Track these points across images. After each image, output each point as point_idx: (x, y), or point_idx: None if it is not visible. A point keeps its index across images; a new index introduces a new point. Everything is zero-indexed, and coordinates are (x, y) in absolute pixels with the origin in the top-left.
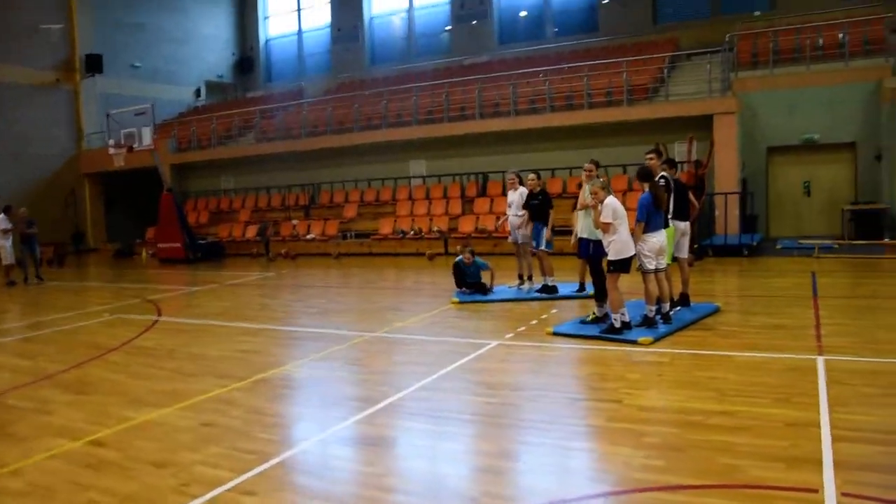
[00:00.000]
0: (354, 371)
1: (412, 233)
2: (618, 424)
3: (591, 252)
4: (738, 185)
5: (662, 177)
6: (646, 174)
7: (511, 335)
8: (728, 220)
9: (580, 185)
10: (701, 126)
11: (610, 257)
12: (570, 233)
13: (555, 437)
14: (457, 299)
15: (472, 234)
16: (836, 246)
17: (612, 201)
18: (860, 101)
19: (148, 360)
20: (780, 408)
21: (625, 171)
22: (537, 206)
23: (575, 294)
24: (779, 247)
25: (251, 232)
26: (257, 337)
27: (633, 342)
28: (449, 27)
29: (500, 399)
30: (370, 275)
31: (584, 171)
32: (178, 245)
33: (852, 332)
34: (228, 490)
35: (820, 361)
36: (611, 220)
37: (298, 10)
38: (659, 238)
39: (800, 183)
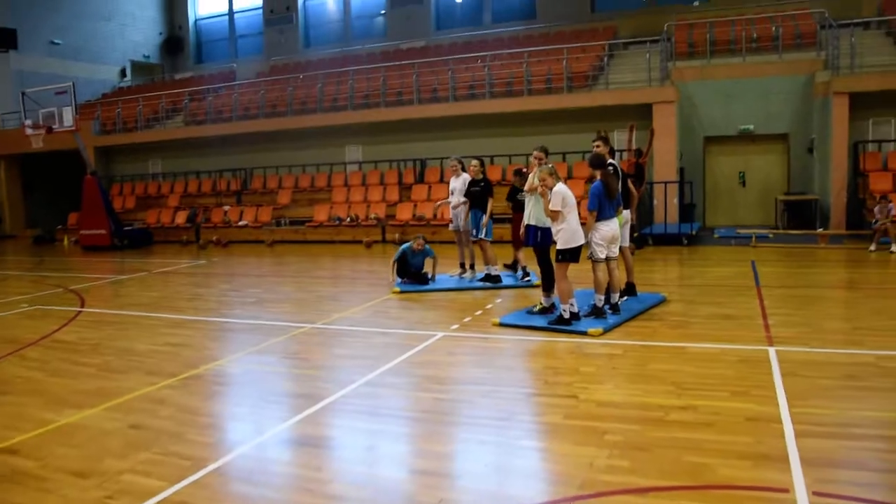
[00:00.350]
0: (294, 366)
1: (348, 220)
2: (577, 422)
3: (538, 240)
4: (676, 175)
5: (610, 164)
6: (599, 161)
7: (456, 326)
8: (667, 209)
9: (516, 173)
10: (640, 115)
11: (559, 246)
12: (509, 220)
13: (512, 436)
14: (398, 288)
15: (410, 222)
16: (771, 235)
17: (560, 188)
18: (793, 94)
19: (70, 356)
20: (740, 401)
21: (564, 159)
22: (478, 194)
23: (520, 283)
24: (716, 236)
25: (181, 218)
26: (189, 329)
27: (583, 333)
28: (384, 11)
29: (451, 395)
30: (306, 263)
31: (534, 157)
32: (102, 231)
33: (799, 323)
34: (160, 501)
35: (772, 352)
36: (559, 207)
37: None
38: (611, 226)
39: (735, 173)
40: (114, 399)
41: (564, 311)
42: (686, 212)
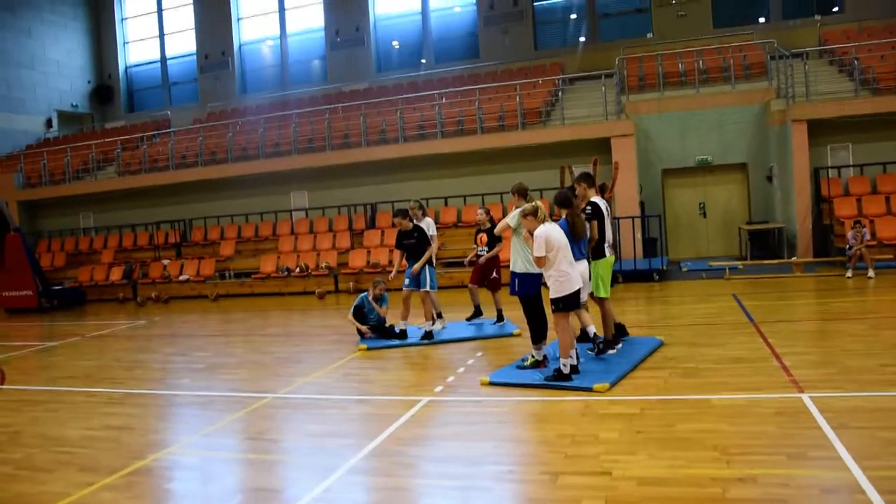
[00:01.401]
0: (261, 450)
1: (298, 270)
2: None
3: (516, 289)
4: (638, 209)
5: (591, 203)
6: (563, 200)
7: (441, 388)
8: (635, 244)
9: (478, 218)
10: (597, 149)
11: (551, 294)
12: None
13: None
14: (364, 345)
15: (364, 269)
16: (741, 266)
17: (543, 230)
18: (748, 123)
19: None
20: (802, 467)
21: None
22: (414, 246)
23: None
24: (685, 269)
25: (116, 274)
26: (131, 406)
27: (588, 390)
28: (323, 54)
29: (462, 480)
30: (256, 319)
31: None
32: (28, 292)
33: (819, 362)
34: None
35: (807, 400)
36: (543, 252)
37: (161, 36)
38: (579, 269)
39: (695, 204)
40: None
41: (564, 365)
42: (649, 246)
